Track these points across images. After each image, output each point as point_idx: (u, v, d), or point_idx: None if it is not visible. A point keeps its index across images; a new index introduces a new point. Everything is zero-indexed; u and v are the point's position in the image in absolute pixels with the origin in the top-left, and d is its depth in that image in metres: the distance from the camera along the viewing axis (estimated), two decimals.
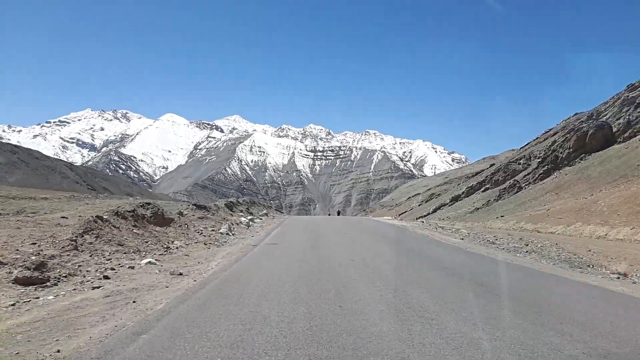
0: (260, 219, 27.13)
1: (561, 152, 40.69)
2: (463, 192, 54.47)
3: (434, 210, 54.93)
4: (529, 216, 28.66)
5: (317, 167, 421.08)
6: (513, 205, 38.02)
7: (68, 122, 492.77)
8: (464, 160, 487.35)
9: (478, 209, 42.81)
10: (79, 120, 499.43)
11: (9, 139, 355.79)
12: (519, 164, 51.34)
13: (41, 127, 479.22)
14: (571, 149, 39.63)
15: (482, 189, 52.34)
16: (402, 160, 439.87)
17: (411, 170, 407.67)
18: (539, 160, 44.37)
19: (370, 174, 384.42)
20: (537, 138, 57.31)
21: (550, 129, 56.67)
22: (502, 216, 34.30)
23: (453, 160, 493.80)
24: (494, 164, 61.41)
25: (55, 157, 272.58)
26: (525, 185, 41.65)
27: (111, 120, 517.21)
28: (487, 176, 54.05)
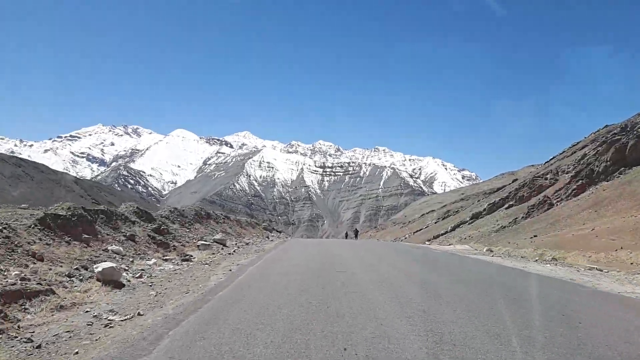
0: (232, 248, 17.97)
1: (597, 166, 36.97)
2: (484, 210, 50.67)
3: (453, 229, 51.15)
4: (572, 237, 24.88)
5: (326, 183, 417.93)
6: (545, 224, 34.21)
7: (79, 137, 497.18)
8: (474, 177, 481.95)
9: (504, 227, 39.00)
10: (89, 135, 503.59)
11: (20, 153, 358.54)
12: (546, 179, 47.56)
13: (52, 141, 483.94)
14: (609, 162, 35.92)
15: (506, 205, 48.54)
16: (411, 177, 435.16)
17: (421, 187, 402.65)
18: (571, 174, 40.62)
19: (380, 190, 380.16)
20: (563, 152, 53.58)
21: (578, 142, 52.97)
22: (534, 236, 30.50)
23: (463, 177, 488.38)
24: (516, 179, 57.62)
25: (65, 171, 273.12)
26: (557, 201, 37.92)
27: (122, 135, 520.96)
28: (510, 192, 50.27)
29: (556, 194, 39.46)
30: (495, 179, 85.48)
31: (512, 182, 57.41)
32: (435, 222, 62.42)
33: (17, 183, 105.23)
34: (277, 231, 42.77)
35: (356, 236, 53.08)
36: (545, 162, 56.52)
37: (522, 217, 38.84)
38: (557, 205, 37.50)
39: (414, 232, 64.17)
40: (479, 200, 60.47)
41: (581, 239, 23.21)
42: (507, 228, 38.32)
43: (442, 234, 50.91)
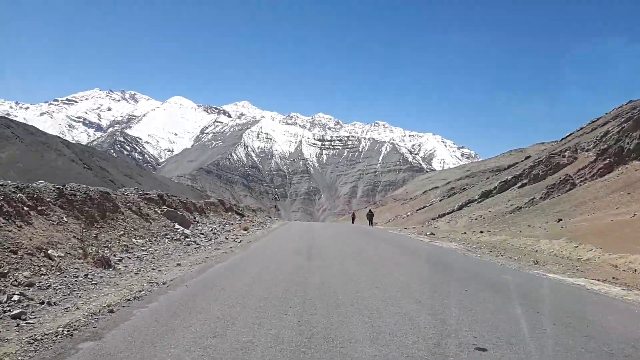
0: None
1: (628, 143, 33.56)
2: (495, 188, 47.41)
3: (460, 207, 48.03)
4: (612, 223, 21.58)
5: (324, 157, 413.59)
6: (568, 205, 31.02)
7: (76, 101, 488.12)
8: (473, 155, 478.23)
9: (520, 208, 35.84)
10: (86, 99, 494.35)
11: (15, 116, 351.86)
12: (563, 156, 44.14)
13: (48, 105, 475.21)
14: None
15: (519, 184, 45.27)
16: (411, 153, 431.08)
17: (420, 164, 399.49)
18: (596, 152, 37.19)
19: (378, 165, 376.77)
20: (581, 128, 49.97)
21: (598, 119, 49.28)
22: (559, 220, 27.27)
23: (463, 155, 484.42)
24: (529, 157, 54.14)
25: (61, 135, 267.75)
26: (581, 181, 34.69)
27: (119, 100, 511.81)
28: (524, 170, 46.90)
29: (579, 172, 36.17)
30: (502, 156, 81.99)
31: (525, 159, 53.88)
32: (440, 200, 59.24)
33: (5, 145, 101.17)
34: (252, 210, 33.74)
35: (370, 222, 39.92)
36: (562, 139, 52.98)
37: (541, 197, 35.63)
38: (580, 185, 34.29)
39: (416, 210, 61.08)
40: (487, 178, 57.12)
41: (626, 227, 19.82)
42: (523, 209, 35.19)
43: (448, 213, 47.85)
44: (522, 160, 54.55)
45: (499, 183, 47.65)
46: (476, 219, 37.31)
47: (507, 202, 41.94)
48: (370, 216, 40.80)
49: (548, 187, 36.52)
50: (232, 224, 23.68)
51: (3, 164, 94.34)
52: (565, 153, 44.61)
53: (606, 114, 49.02)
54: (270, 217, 40.29)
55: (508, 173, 51.36)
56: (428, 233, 27.04)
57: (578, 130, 50.21)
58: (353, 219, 46.91)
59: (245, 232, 20.49)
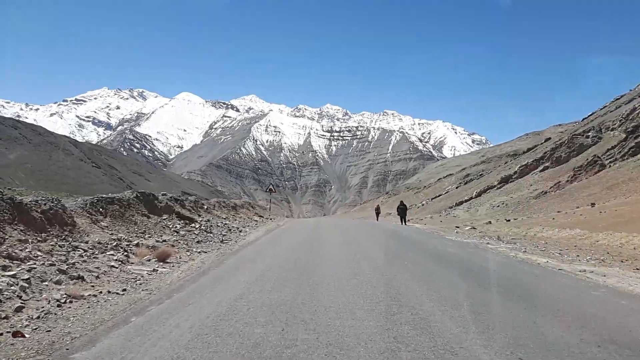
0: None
1: None
2: (515, 172, 45.17)
3: (479, 194, 45.90)
4: None
5: (334, 148, 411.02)
6: (599, 188, 28.84)
7: (85, 101, 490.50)
8: (484, 141, 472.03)
9: (545, 192, 33.68)
10: (95, 98, 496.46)
11: (26, 117, 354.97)
12: (587, 137, 41.76)
13: (58, 105, 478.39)
14: None
15: (540, 167, 43.02)
16: (421, 141, 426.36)
17: (430, 152, 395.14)
18: (625, 130, 34.79)
19: (388, 155, 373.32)
20: (604, 106, 47.37)
21: (622, 96, 46.66)
22: (592, 204, 25.17)
23: (473, 141, 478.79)
24: (549, 139, 51.67)
25: (71, 135, 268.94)
26: (610, 162, 32.40)
27: (127, 98, 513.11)
28: (545, 153, 44.56)
29: (608, 153, 33.87)
30: (518, 139, 79.22)
31: (545, 141, 51.47)
32: (457, 187, 57.04)
33: (13, 146, 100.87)
34: (232, 208, 24.61)
35: (403, 218, 27.88)
36: (583, 119, 50.46)
37: (567, 180, 33.43)
38: (610, 166, 32.03)
39: (431, 199, 58.94)
40: (505, 163, 54.77)
41: None
42: (549, 193, 33.05)
43: (466, 200, 45.75)
44: (541, 143, 52.13)
45: (519, 167, 45.39)
46: (498, 205, 35.25)
47: (529, 186, 39.79)
48: (402, 211, 27.75)
49: (575, 169, 34.29)
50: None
51: (12, 165, 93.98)
52: (589, 133, 42.20)
53: (630, 90, 46.41)
54: (261, 217, 27.20)
55: (528, 156, 49.02)
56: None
57: (601, 109, 47.67)
58: (377, 215, 36.69)
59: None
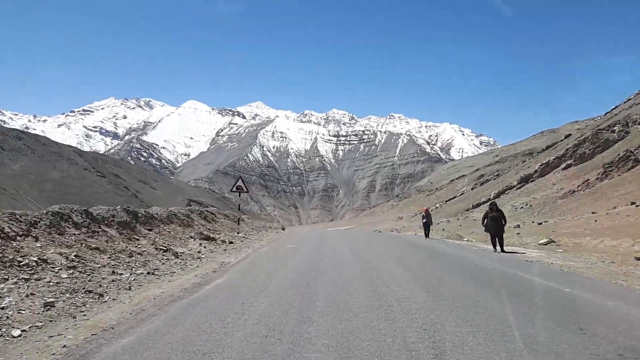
0: None
1: None
2: (536, 171, 42.57)
3: (497, 195, 43.30)
4: None
5: (340, 152, 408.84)
6: (637, 185, 26.25)
7: (92, 111, 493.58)
8: (492, 143, 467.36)
9: (573, 192, 31.13)
10: (102, 109, 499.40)
11: (34, 129, 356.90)
12: (613, 131, 39.12)
13: (65, 116, 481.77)
14: None
15: (563, 165, 40.39)
16: (428, 143, 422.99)
17: (438, 154, 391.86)
18: None
19: (396, 158, 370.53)
20: (629, 99, 44.69)
21: None
22: (633, 204, 22.58)
23: (481, 143, 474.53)
24: (569, 135, 48.96)
25: (79, 145, 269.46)
26: None
27: (134, 108, 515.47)
28: (567, 149, 41.93)
29: None
30: (533, 138, 76.43)
31: (565, 138, 48.80)
32: (472, 189, 54.42)
33: (17, 157, 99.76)
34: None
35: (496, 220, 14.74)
36: (605, 114, 47.75)
37: (597, 178, 30.86)
38: None
39: (445, 201, 56.35)
40: (524, 162, 52.12)
41: None
42: (577, 192, 30.49)
43: (484, 202, 43.20)
44: (561, 140, 49.50)
45: (540, 166, 42.78)
46: (521, 207, 32.72)
47: (551, 186, 37.21)
48: (492, 211, 15.11)
49: (604, 165, 31.70)
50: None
51: (16, 176, 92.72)
52: (615, 127, 39.59)
53: None
54: (237, 234, 20.07)
55: (548, 154, 46.40)
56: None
57: (625, 102, 44.98)
58: (428, 228, 21.61)
59: None
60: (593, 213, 23.37)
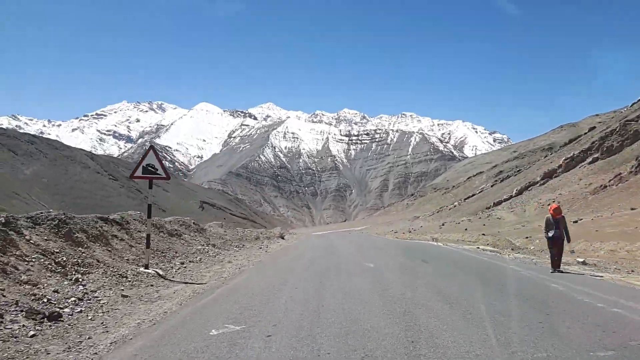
0: None
1: None
2: (560, 166, 40.51)
3: (519, 192, 41.36)
4: None
5: (352, 152, 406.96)
6: None
7: (105, 115, 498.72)
8: (506, 140, 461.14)
9: (605, 187, 29.14)
10: (115, 112, 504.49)
11: (49, 134, 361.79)
12: None
13: (79, 120, 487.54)
14: None
15: (589, 159, 38.29)
16: (441, 141, 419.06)
17: (451, 152, 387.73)
18: None
19: (408, 157, 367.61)
20: None
21: None
22: None
23: (495, 140, 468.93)
24: (594, 127, 46.65)
25: (92, 149, 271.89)
26: None
27: (147, 111, 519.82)
28: (592, 143, 39.76)
29: None
30: (552, 132, 73.82)
31: (589, 131, 46.50)
32: (492, 186, 52.35)
33: (29, 161, 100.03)
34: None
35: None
36: (632, 104, 45.35)
37: (631, 171, 28.81)
38: None
39: (463, 199, 54.42)
40: (546, 157, 49.93)
41: None
42: (609, 188, 28.50)
43: (506, 200, 41.31)
44: (585, 133, 47.23)
45: (564, 160, 40.70)
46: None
47: (578, 181, 35.20)
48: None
49: (639, 158, 29.56)
50: None
51: (28, 180, 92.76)
52: None
53: None
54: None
55: (572, 148, 44.24)
56: None
57: None
58: (559, 247, 10.31)
59: None
60: (632, 209, 21.48)
